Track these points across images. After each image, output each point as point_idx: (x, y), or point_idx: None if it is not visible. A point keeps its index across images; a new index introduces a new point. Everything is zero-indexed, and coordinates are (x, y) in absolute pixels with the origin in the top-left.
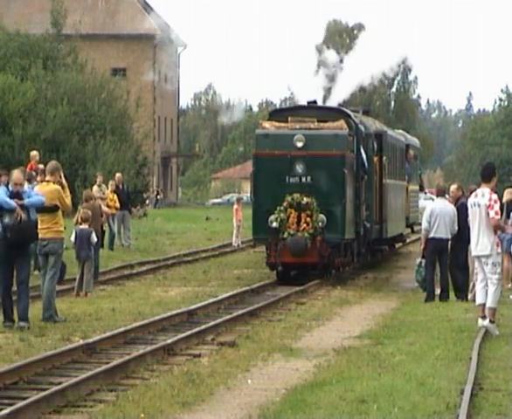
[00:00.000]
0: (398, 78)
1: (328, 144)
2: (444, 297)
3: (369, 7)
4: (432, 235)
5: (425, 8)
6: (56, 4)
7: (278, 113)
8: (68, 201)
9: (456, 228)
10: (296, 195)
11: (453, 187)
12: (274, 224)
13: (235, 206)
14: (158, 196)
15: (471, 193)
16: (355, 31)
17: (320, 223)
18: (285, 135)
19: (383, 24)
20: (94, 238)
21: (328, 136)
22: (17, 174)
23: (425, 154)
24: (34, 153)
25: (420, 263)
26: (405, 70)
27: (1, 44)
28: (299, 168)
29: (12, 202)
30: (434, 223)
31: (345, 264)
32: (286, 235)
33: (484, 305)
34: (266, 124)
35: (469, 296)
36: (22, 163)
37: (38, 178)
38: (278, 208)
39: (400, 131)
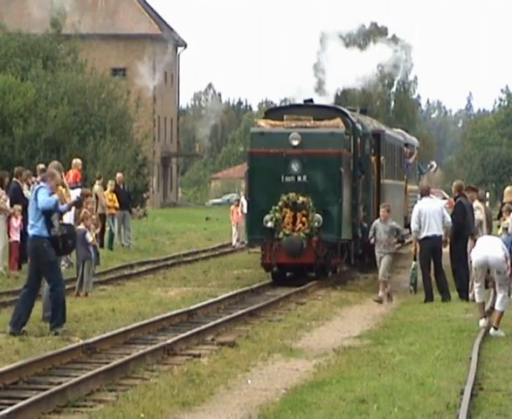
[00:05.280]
0: (398, 78)
1: (324, 142)
2: (445, 297)
3: (369, 7)
4: (424, 234)
5: (425, 8)
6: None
7: (273, 112)
8: (69, 200)
9: (449, 220)
10: (292, 195)
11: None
12: (269, 224)
13: (232, 207)
14: None
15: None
16: (354, 32)
17: (316, 223)
18: (280, 133)
19: (383, 24)
20: (89, 238)
21: (325, 134)
22: (58, 176)
23: (425, 154)
24: (78, 161)
25: (415, 266)
26: (405, 70)
27: (1, 44)
28: (294, 166)
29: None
30: (425, 223)
31: (342, 265)
32: (281, 235)
33: (483, 303)
34: (262, 122)
35: (469, 295)
36: (22, 163)
37: (38, 178)
38: (273, 207)
39: (399, 130)
